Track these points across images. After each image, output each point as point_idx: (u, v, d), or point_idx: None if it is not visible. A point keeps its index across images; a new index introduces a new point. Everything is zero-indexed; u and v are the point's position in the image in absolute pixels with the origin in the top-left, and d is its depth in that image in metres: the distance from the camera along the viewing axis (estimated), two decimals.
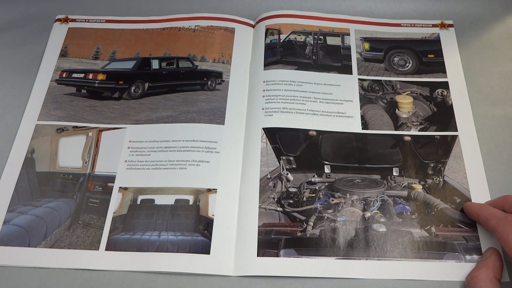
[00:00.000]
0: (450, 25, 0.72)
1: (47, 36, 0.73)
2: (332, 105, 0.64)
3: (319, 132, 0.62)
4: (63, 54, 0.71)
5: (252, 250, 0.52)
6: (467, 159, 0.59)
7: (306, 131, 0.62)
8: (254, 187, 0.57)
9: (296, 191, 0.58)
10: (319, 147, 0.61)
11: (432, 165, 0.59)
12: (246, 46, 0.71)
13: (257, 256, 0.52)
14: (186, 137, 0.61)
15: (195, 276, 0.51)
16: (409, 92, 0.66)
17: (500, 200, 0.51)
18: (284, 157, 0.60)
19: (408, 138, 0.61)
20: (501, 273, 0.48)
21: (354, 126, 0.62)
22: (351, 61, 0.69)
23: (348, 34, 0.72)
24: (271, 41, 0.71)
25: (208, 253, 0.52)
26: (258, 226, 0.54)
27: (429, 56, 0.69)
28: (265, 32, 0.71)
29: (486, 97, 0.64)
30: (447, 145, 0.60)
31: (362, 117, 0.63)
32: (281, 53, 0.70)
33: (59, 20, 0.74)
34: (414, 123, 0.63)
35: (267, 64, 0.68)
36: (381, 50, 0.70)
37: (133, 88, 0.69)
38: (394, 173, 0.59)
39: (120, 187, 0.58)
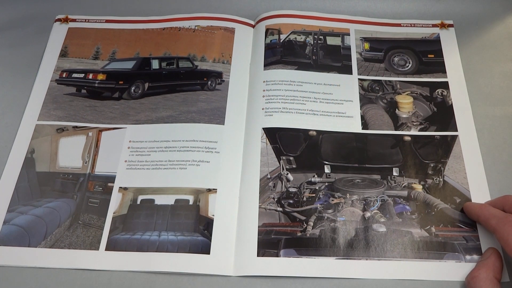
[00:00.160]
0: (450, 25, 0.72)
1: (47, 36, 0.73)
2: (332, 105, 0.64)
3: (319, 132, 0.62)
4: (63, 54, 0.71)
5: (252, 250, 0.52)
6: (467, 159, 0.59)
7: (306, 131, 0.62)
8: (254, 187, 0.57)
9: (296, 191, 0.58)
10: (319, 147, 0.61)
11: (432, 165, 0.59)
12: (246, 46, 0.71)
13: (257, 256, 0.52)
14: (186, 137, 0.61)
15: (195, 276, 0.51)
16: (409, 92, 0.66)
17: (500, 200, 0.51)
18: (284, 157, 0.60)
19: (408, 138, 0.61)
20: (501, 273, 0.48)
21: (354, 126, 0.62)
22: (351, 61, 0.69)
23: (348, 34, 0.72)
24: (271, 41, 0.71)
25: (208, 253, 0.52)
26: (258, 226, 0.54)
27: (429, 56, 0.69)
28: (265, 32, 0.71)
29: (486, 97, 0.64)
30: (447, 145, 0.60)
31: (362, 117, 0.63)
32: (281, 53, 0.70)
33: (59, 20, 0.74)
34: (414, 123, 0.63)
35: (267, 64, 0.68)
36: (381, 50, 0.70)
37: (133, 88, 0.69)
38: (394, 173, 0.59)
39: (120, 187, 0.58)
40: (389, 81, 0.67)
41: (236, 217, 0.55)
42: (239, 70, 0.68)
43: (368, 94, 0.66)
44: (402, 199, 0.56)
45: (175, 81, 0.71)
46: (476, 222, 0.53)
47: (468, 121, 0.62)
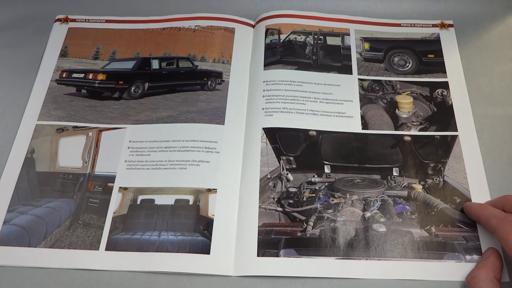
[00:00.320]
0: (450, 25, 0.72)
1: (47, 36, 0.73)
2: (332, 105, 0.64)
3: (319, 132, 0.62)
4: (63, 54, 0.71)
5: (252, 250, 0.52)
6: (467, 159, 0.59)
7: (306, 131, 0.62)
8: (254, 187, 0.57)
9: (296, 191, 0.58)
10: (319, 147, 0.61)
11: (432, 165, 0.59)
12: (246, 46, 0.71)
13: (257, 256, 0.52)
14: (186, 137, 0.61)
15: (195, 276, 0.51)
16: (409, 92, 0.66)
17: (500, 200, 0.51)
18: (284, 157, 0.60)
19: (408, 138, 0.61)
20: (501, 273, 0.48)
21: (354, 126, 0.62)
22: (351, 61, 0.69)
23: (348, 34, 0.72)
24: (271, 41, 0.71)
25: (208, 253, 0.52)
26: (258, 226, 0.54)
27: (429, 56, 0.69)
28: (265, 32, 0.71)
29: (486, 97, 0.64)
30: (447, 145, 0.60)
31: (362, 117, 0.63)
32: (281, 53, 0.70)
33: (59, 20, 0.74)
34: (414, 123, 0.63)
35: (267, 64, 0.68)
36: (381, 50, 0.70)
37: (133, 88, 0.69)
38: (394, 173, 0.59)
39: (120, 187, 0.58)
40: (389, 81, 0.67)
41: (236, 217, 0.55)
42: (239, 70, 0.68)
43: (368, 94, 0.66)
44: (402, 199, 0.56)
45: (175, 81, 0.71)
46: (476, 222, 0.53)
47: (468, 121, 0.62)
